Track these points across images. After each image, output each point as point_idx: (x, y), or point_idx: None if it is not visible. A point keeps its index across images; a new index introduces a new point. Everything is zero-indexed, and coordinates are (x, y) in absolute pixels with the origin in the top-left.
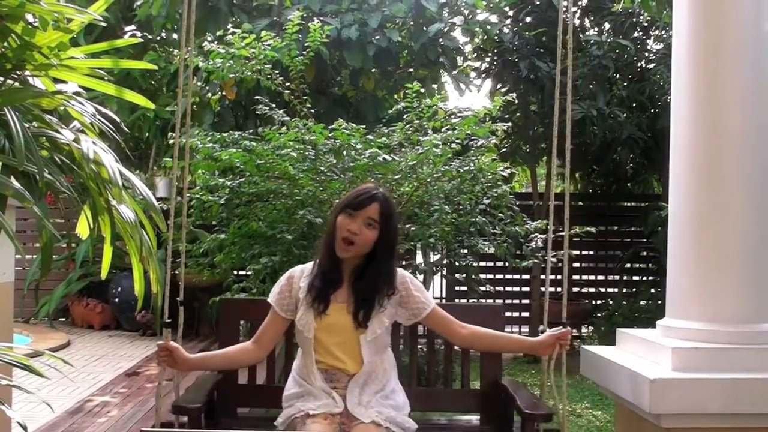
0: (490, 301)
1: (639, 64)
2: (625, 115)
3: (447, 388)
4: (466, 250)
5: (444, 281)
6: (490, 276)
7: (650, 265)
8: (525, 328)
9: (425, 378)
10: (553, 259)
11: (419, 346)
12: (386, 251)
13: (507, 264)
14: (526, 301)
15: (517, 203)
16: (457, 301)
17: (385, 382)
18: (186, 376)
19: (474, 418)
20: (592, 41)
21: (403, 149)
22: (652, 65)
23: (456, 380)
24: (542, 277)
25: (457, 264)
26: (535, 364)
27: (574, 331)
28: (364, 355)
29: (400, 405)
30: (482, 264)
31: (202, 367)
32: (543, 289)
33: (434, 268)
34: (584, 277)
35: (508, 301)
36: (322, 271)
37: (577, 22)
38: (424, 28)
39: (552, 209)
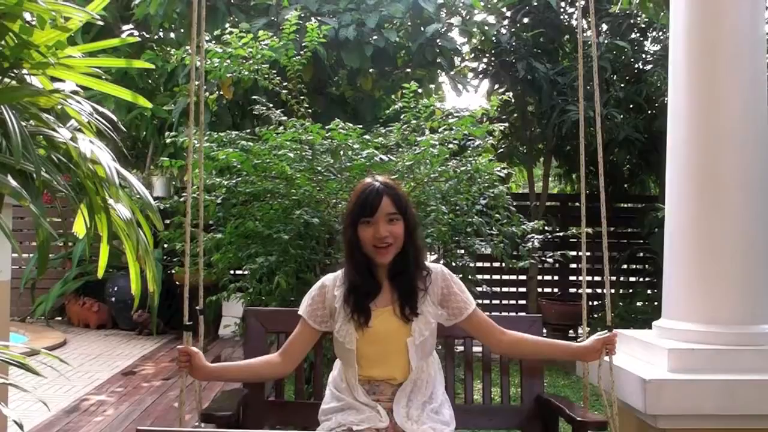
0: (486, 301)
1: (636, 66)
2: (622, 116)
3: (485, 403)
4: (462, 251)
5: None
6: (487, 276)
7: (647, 266)
8: None
9: (462, 393)
10: (550, 260)
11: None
12: (412, 233)
13: (504, 264)
14: (523, 302)
15: (514, 204)
16: None
17: (431, 390)
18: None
19: None
20: (589, 42)
21: (400, 149)
22: (649, 67)
23: (494, 395)
24: (540, 277)
25: (453, 264)
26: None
27: (571, 332)
28: (411, 360)
29: (448, 421)
30: (479, 264)
31: (222, 378)
32: (580, 291)
33: None
34: (581, 278)
35: (504, 302)
36: (357, 283)
37: (574, 23)
38: (422, 29)
39: (584, 211)
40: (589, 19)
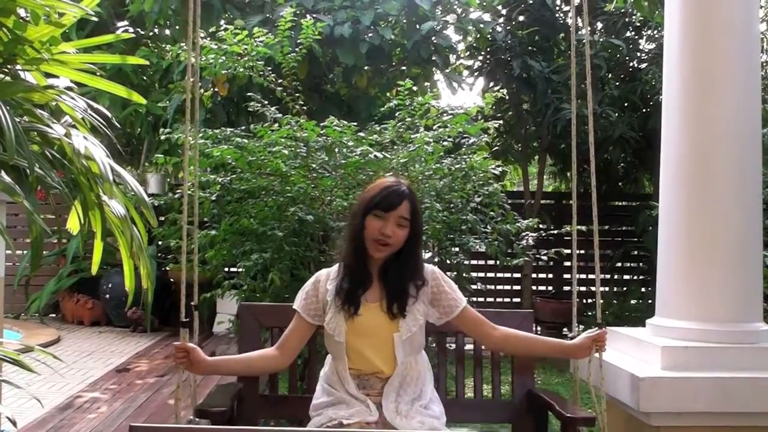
0: (481, 299)
1: (631, 64)
2: (617, 114)
3: (477, 398)
4: (457, 248)
5: None
6: (482, 274)
7: (641, 264)
8: None
9: (453, 387)
10: (544, 258)
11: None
12: (414, 244)
13: (498, 262)
14: (517, 300)
15: (509, 201)
16: None
17: (421, 388)
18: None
19: (505, 430)
20: (583, 41)
21: (394, 147)
22: (644, 65)
23: (486, 389)
24: (534, 275)
25: (448, 262)
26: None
27: (565, 330)
28: (398, 355)
29: (438, 415)
30: (473, 262)
31: (219, 371)
32: (569, 289)
33: None
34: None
35: (498, 300)
36: (350, 271)
37: (569, 21)
38: (417, 26)
39: (575, 208)
40: (580, 16)
